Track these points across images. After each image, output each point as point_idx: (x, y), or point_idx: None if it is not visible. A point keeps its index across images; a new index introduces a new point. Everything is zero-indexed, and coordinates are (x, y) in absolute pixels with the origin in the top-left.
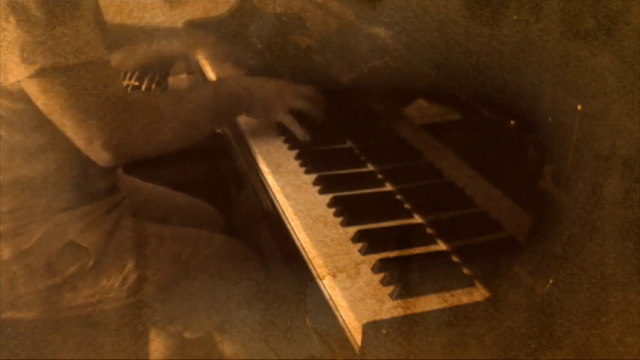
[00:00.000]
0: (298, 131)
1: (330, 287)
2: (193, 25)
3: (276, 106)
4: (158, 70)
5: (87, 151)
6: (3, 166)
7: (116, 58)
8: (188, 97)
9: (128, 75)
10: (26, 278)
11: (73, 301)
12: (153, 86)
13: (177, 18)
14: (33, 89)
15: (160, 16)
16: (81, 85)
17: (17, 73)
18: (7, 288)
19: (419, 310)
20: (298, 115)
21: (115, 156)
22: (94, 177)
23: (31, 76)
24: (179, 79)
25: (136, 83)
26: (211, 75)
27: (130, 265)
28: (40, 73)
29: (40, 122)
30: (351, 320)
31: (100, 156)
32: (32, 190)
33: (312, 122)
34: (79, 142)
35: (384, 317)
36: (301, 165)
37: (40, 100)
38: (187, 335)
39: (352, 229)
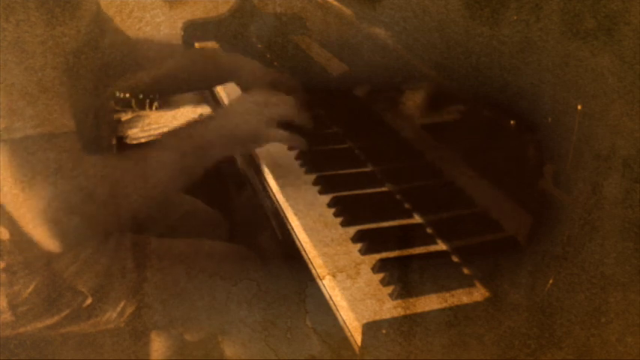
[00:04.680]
0: (295, 142)
1: (330, 287)
2: (193, 25)
3: (258, 127)
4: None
5: (32, 234)
6: None
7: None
8: (149, 158)
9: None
10: (24, 322)
11: (68, 332)
12: (155, 105)
13: (177, 18)
14: None
15: (159, 16)
16: (37, 160)
17: None
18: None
19: (419, 310)
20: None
21: (65, 243)
22: None
23: None
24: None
25: (127, 94)
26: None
27: (127, 300)
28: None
29: None
30: (351, 320)
31: (47, 243)
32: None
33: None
34: (23, 221)
35: (384, 317)
36: (301, 165)
37: None
38: (188, 338)
39: (352, 229)
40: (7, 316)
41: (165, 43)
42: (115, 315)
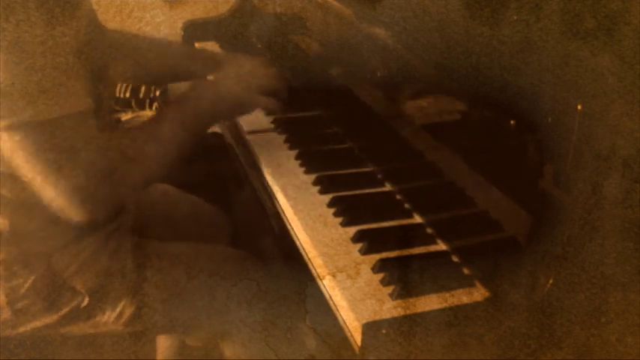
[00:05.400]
0: (273, 107)
1: (330, 287)
2: (193, 25)
3: (246, 95)
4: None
5: (62, 212)
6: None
7: (117, 68)
8: (157, 134)
9: (123, 88)
10: (23, 320)
11: (68, 332)
12: (157, 92)
13: (177, 18)
14: (4, 144)
15: (159, 16)
16: (56, 143)
17: None
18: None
19: (419, 310)
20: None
21: (94, 212)
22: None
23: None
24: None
25: (127, 95)
26: None
27: (126, 300)
28: (13, 127)
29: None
30: (351, 320)
31: (78, 215)
32: (28, 239)
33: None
34: (52, 202)
35: (384, 317)
36: (301, 165)
37: (10, 156)
38: (189, 342)
39: (352, 229)
40: (6, 314)
41: (142, 36)
42: (114, 316)
